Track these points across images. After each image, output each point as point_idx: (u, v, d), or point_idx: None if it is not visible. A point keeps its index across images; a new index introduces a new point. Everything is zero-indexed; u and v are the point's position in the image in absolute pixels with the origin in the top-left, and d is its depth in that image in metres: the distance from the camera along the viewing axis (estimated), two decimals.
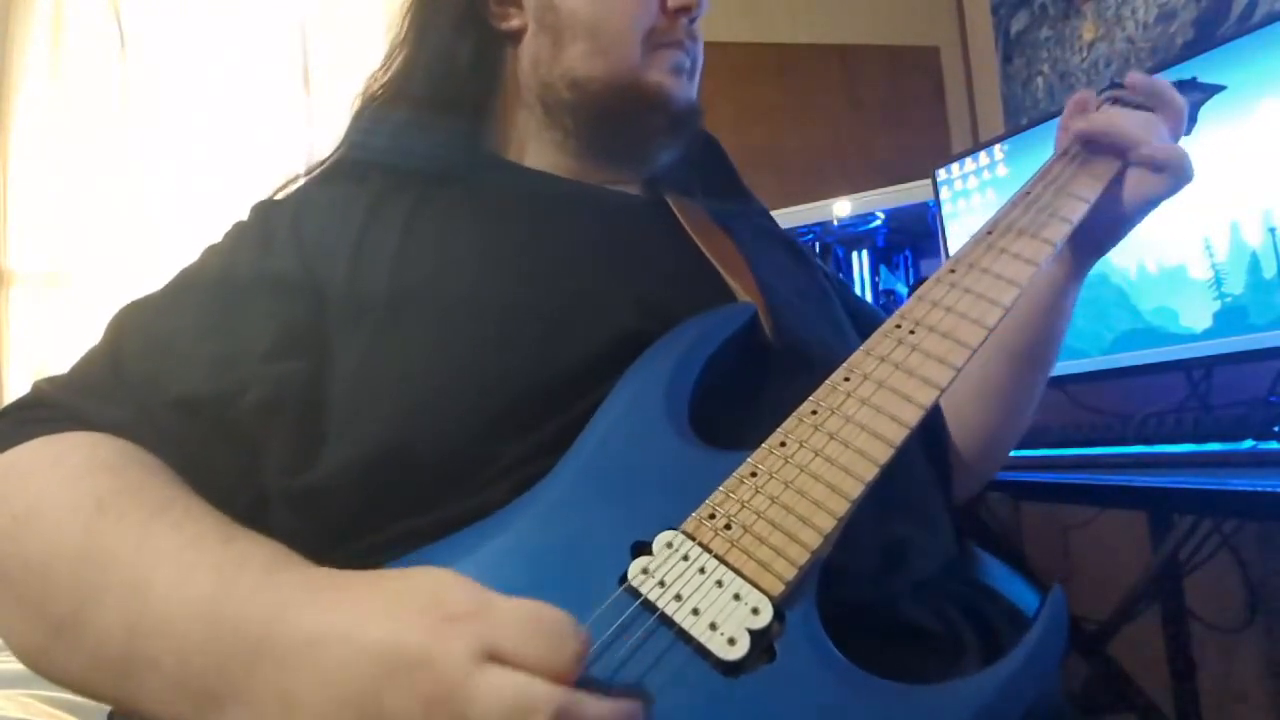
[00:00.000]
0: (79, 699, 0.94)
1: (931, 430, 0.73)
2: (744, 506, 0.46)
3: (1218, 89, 0.77)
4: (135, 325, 0.60)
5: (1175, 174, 0.67)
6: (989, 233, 0.62)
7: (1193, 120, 0.74)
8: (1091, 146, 0.69)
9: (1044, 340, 0.77)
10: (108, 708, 0.55)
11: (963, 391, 0.77)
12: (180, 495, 0.50)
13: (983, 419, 0.78)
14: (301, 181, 0.72)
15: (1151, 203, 0.69)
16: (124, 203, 1.86)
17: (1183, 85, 0.75)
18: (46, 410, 0.55)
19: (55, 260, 1.82)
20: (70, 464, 0.50)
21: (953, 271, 0.59)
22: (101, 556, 0.45)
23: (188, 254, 0.66)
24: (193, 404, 0.55)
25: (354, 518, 0.53)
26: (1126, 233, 0.72)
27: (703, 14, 0.73)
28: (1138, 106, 0.71)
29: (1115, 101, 0.72)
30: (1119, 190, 0.68)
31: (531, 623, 0.36)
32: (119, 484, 0.49)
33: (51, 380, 0.58)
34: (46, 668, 0.47)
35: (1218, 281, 1.15)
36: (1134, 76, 0.71)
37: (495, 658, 0.36)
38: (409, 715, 0.35)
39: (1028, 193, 0.65)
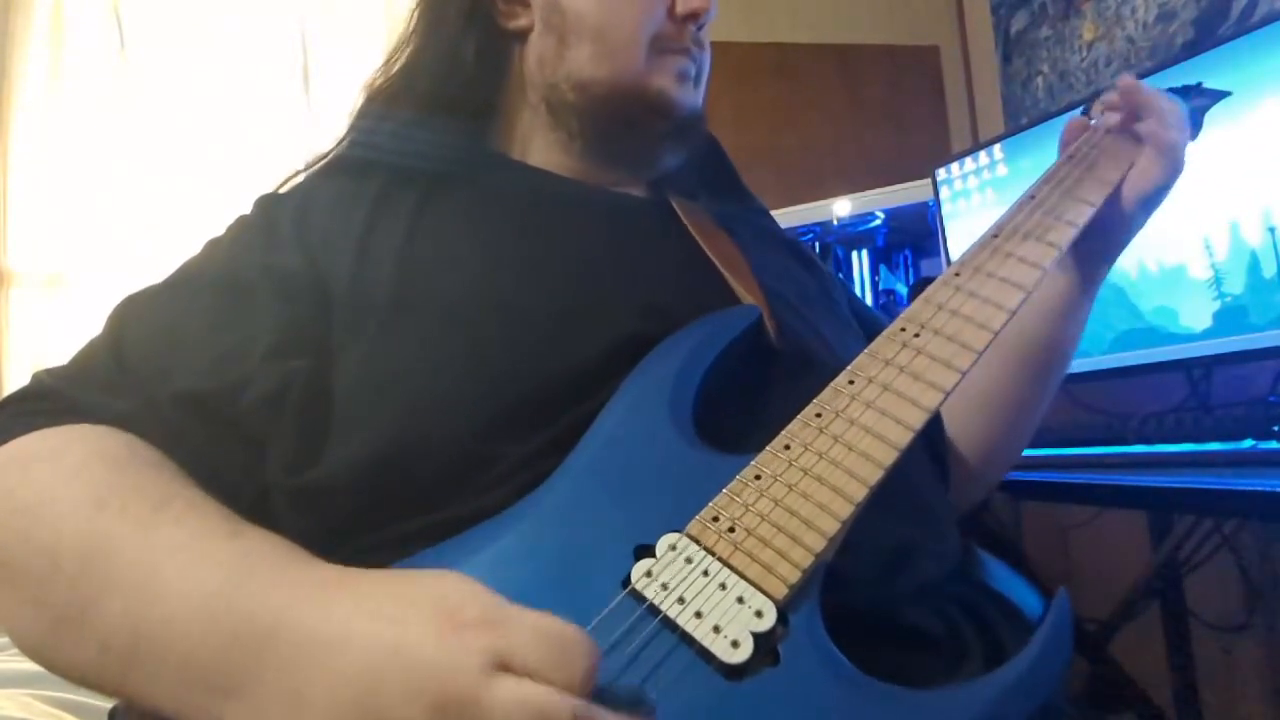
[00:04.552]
0: (79, 699, 0.95)
1: (931, 435, 0.73)
2: (748, 509, 0.46)
3: (1223, 95, 0.77)
4: (137, 318, 0.60)
5: (1171, 164, 0.67)
6: (994, 236, 0.61)
7: (1198, 125, 0.74)
8: (1123, 106, 0.69)
9: (1055, 352, 0.76)
10: (108, 708, 0.55)
11: (969, 401, 0.76)
12: (184, 489, 0.50)
13: (989, 428, 0.77)
14: (304, 176, 0.72)
15: (1150, 199, 0.69)
16: (124, 203, 1.86)
17: (1188, 90, 0.75)
18: (48, 402, 0.55)
19: (55, 260, 1.82)
20: (73, 457, 0.50)
21: (958, 275, 0.59)
22: (106, 550, 0.45)
23: (188, 254, 0.66)
24: (195, 399, 0.55)
25: (356, 516, 0.53)
26: (1131, 237, 0.72)
27: (710, 20, 0.73)
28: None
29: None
30: (1119, 191, 0.68)
31: (545, 635, 0.36)
32: (122, 477, 0.49)
33: (52, 372, 0.58)
34: (51, 661, 0.47)
35: (1218, 281, 1.15)
36: (1125, 80, 0.71)
37: (507, 668, 0.35)
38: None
39: (1033, 196, 0.64)
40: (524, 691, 0.34)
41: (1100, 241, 0.71)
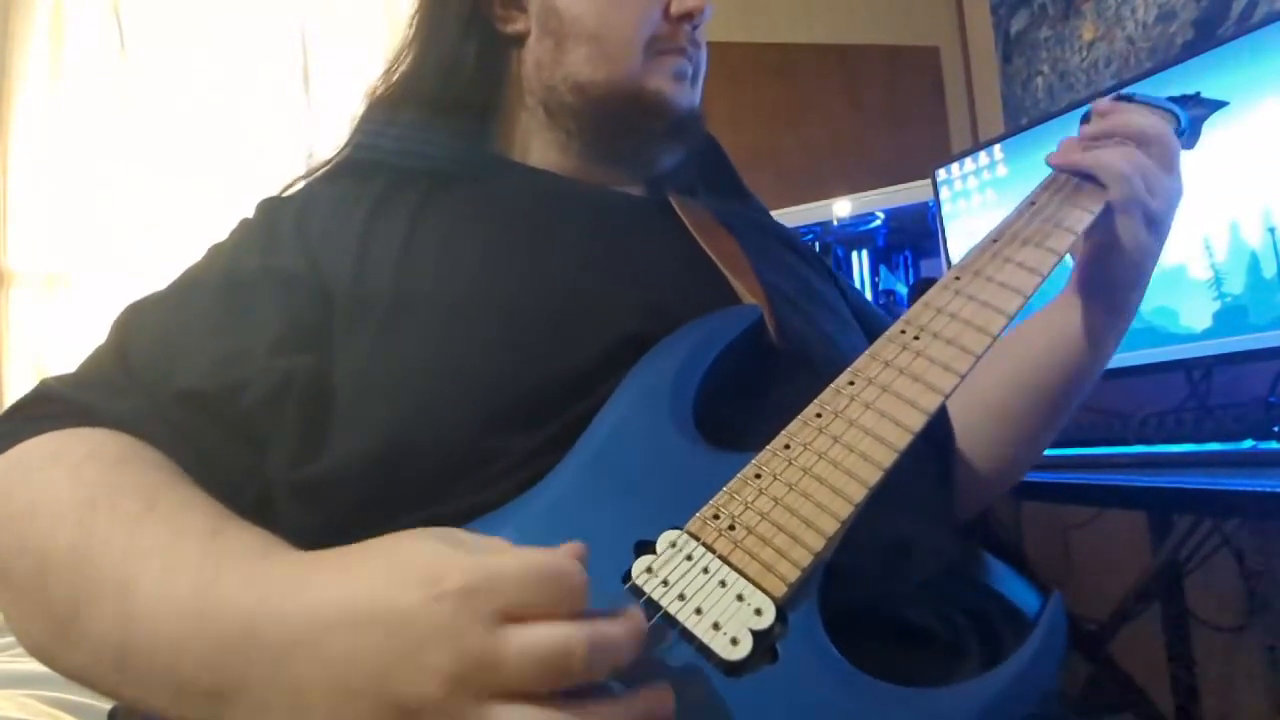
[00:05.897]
0: (78, 699, 0.95)
1: (937, 437, 0.72)
2: (748, 508, 0.46)
3: (1220, 105, 0.77)
4: (141, 322, 0.61)
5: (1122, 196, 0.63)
6: (994, 241, 0.62)
7: (1196, 135, 0.74)
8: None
9: (1077, 380, 0.74)
10: (107, 708, 0.56)
11: (984, 415, 0.75)
12: (175, 487, 0.50)
13: (1002, 446, 0.76)
14: (307, 180, 0.72)
15: (1133, 223, 0.64)
16: (124, 203, 1.86)
17: (1185, 100, 0.75)
18: (52, 406, 0.55)
19: (55, 260, 1.82)
20: (70, 459, 0.50)
21: (958, 279, 0.59)
22: (94, 553, 0.45)
23: (188, 254, 0.66)
24: (199, 398, 0.55)
25: (357, 511, 0.53)
26: (1150, 260, 0.67)
27: (706, 20, 0.73)
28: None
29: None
30: (1114, 220, 0.65)
31: (529, 573, 0.36)
32: (116, 478, 0.49)
33: (59, 378, 0.58)
34: (55, 664, 0.47)
35: (1218, 281, 1.16)
36: (1100, 105, 0.68)
37: (509, 618, 0.35)
38: (428, 696, 0.35)
39: (1033, 202, 0.65)
40: (537, 636, 0.35)
41: (1120, 268, 0.68)
